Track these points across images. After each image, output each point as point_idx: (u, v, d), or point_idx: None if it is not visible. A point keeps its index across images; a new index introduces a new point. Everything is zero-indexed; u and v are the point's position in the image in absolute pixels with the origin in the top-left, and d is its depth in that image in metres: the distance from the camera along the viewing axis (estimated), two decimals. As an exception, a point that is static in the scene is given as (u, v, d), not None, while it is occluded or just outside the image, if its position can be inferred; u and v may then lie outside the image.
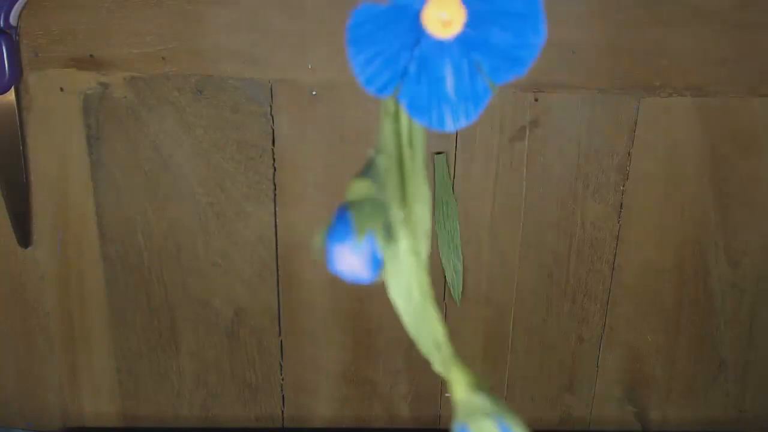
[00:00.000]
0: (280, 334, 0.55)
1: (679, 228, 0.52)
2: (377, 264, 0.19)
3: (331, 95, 0.49)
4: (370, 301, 0.54)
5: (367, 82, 0.20)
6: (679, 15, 0.47)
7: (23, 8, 0.46)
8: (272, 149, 0.50)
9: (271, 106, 0.49)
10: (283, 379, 0.56)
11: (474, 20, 0.20)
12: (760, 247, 0.53)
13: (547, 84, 0.48)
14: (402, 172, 0.21)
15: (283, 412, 0.57)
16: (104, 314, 0.54)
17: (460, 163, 0.51)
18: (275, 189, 0.51)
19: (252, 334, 0.55)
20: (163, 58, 0.48)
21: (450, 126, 0.21)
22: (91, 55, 0.48)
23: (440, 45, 0.20)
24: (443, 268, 0.53)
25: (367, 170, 0.21)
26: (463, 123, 0.21)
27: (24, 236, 0.51)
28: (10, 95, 0.48)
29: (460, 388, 0.21)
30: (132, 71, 0.48)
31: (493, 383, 0.57)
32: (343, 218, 0.20)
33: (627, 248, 0.53)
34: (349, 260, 0.19)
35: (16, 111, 0.48)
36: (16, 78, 0.47)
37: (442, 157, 0.50)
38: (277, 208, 0.51)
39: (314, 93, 0.49)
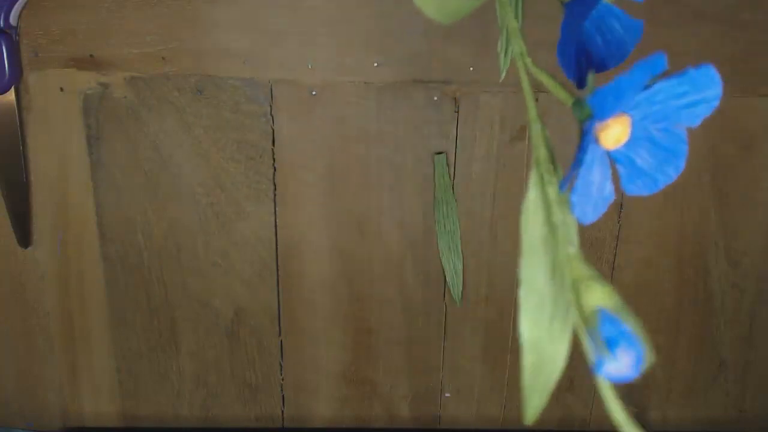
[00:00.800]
0: (280, 334, 0.55)
1: (679, 228, 0.52)
2: (641, 363, 0.22)
3: (331, 95, 0.49)
4: (370, 301, 0.54)
5: (564, 180, 0.24)
6: (679, 15, 0.47)
7: (23, 8, 0.46)
8: (272, 149, 0.50)
9: (271, 106, 0.49)
10: (283, 379, 0.56)
11: (631, 142, 0.24)
12: (760, 247, 0.53)
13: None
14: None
15: (283, 412, 0.57)
16: (104, 314, 0.54)
17: (460, 163, 0.51)
18: (275, 189, 0.51)
19: (252, 334, 0.55)
20: (163, 58, 0.48)
21: (589, 220, 0.24)
22: (91, 55, 0.48)
23: (600, 155, 0.24)
24: (443, 268, 0.53)
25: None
26: (594, 219, 0.24)
27: (24, 236, 0.51)
28: (10, 95, 0.48)
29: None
30: (132, 71, 0.48)
31: (493, 383, 0.57)
32: (615, 325, 0.22)
33: (627, 248, 0.53)
34: (628, 362, 0.21)
35: (16, 111, 0.48)
36: (16, 78, 0.47)
37: (442, 157, 0.50)
38: (277, 208, 0.51)
39: (314, 93, 0.49)
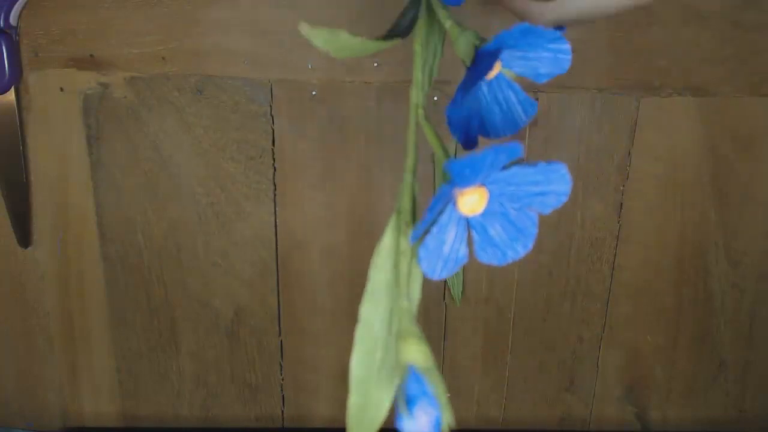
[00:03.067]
0: (280, 334, 0.55)
1: (679, 228, 0.52)
2: (438, 426, 0.23)
3: (331, 95, 0.49)
4: (370, 301, 0.54)
5: (414, 233, 0.25)
6: (679, 15, 0.47)
7: (23, 8, 0.46)
8: (272, 149, 0.50)
9: (271, 106, 0.49)
10: (283, 379, 0.56)
11: (487, 213, 0.26)
12: (760, 247, 0.53)
13: (546, 84, 0.48)
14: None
15: (283, 412, 0.57)
16: (104, 314, 0.54)
17: (460, 163, 0.51)
18: (275, 189, 0.51)
19: (252, 334, 0.55)
20: (163, 58, 0.48)
21: (438, 276, 0.26)
22: (91, 55, 0.48)
23: (457, 219, 0.26)
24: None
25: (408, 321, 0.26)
26: (443, 276, 0.26)
27: (24, 236, 0.51)
28: (10, 95, 0.48)
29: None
30: (132, 71, 0.48)
31: (493, 383, 0.57)
32: (418, 382, 0.23)
33: (627, 248, 0.53)
34: (425, 422, 0.23)
35: (16, 111, 0.48)
36: (16, 78, 0.47)
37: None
38: (277, 208, 0.51)
39: (314, 93, 0.49)
